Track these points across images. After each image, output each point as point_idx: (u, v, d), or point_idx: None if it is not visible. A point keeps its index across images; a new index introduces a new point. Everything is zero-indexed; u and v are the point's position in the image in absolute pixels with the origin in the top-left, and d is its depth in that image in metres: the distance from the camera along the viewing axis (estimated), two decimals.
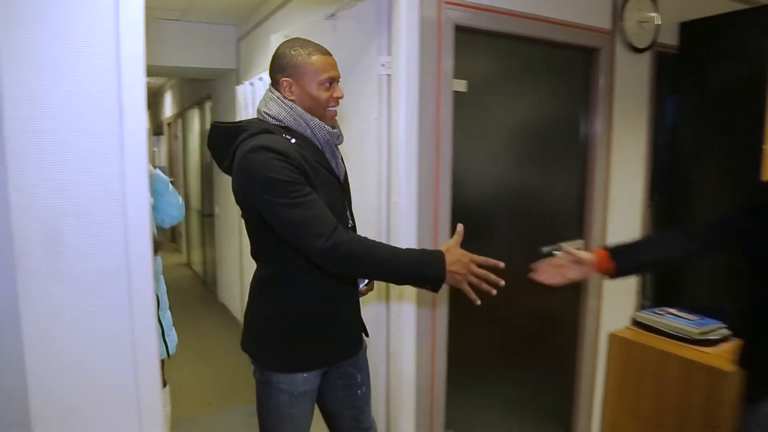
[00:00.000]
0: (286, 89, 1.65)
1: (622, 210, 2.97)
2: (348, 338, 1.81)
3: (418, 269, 1.51)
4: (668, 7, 2.95)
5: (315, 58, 1.65)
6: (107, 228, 1.60)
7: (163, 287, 2.39)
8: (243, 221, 1.73)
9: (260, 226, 1.62)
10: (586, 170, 2.82)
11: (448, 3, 2.17)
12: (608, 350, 3.03)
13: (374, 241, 1.54)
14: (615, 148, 2.86)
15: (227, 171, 1.68)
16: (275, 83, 1.68)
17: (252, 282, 1.78)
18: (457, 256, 1.53)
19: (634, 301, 3.11)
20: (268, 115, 1.65)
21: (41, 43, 1.48)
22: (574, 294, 2.90)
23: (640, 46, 2.84)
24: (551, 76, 2.68)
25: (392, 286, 2.30)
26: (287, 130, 1.63)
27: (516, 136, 2.63)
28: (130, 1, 1.55)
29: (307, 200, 1.50)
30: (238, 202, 1.64)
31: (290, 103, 1.64)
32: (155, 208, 2.37)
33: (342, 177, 1.75)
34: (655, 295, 3.19)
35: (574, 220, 2.85)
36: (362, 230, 1.85)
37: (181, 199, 2.53)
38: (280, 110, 1.64)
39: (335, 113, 1.71)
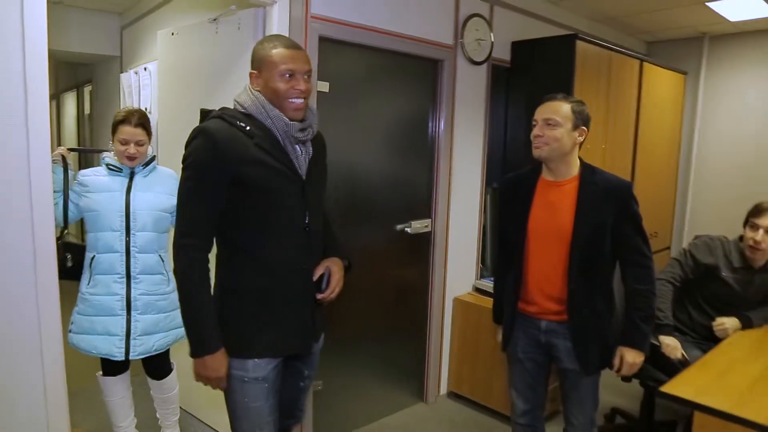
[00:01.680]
0: (254, 81, 1.73)
1: (463, 195, 3.56)
2: (293, 336, 1.79)
3: (194, 337, 1.66)
4: (502, 29, 3.59)
5: (276, 51, 1.69)
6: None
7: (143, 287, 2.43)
8: None
9: None
10: (433, 162, 3.37)
11: (313, 17, 2.60)
12: (453, 312, 3.62)
13: (205, 287, 1.65)
14: (456, 144, 3.45)
15: None
16: (250, 77, 1.76)
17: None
18: (219, 366, 1.66)
19: (475, 270, 3.73)
20: (237, 102, 1.74)
21: None
22: (424, 266, 3.45)
23: (478, 59, 3.44)
24: (403, 82, 3.19)
25: None
26: (250, 118, 1.70)
27: (374, 131, 3.11)
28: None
29: (197, 195, 1.65)
30: None
31: (257, 93, 1.71)
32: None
33: (304, 172, 1.75)
34: (493, 265, 3.84)
35: (423, 203, 3.39)
36: None
37: None
38: (246, 98, 1.72)
39: (299, 105, 1.71)
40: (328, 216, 1.98)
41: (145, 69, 3.85)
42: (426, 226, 3.37)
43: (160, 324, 2.46)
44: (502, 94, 3.76)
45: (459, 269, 3.62)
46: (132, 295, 2.39)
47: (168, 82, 3.15)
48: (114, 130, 2.42)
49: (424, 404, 3.56)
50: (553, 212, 2.12)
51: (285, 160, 1.70)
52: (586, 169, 2.14)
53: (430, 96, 3.31)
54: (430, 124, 3.35)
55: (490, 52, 3.50)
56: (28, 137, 1.87)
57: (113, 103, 4.40)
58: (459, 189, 3.52)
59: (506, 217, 2.30)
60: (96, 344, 2.39)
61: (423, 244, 3.40)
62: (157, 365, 2.62)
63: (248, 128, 1.66)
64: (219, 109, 1.73)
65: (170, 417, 2.78)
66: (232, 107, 1.74)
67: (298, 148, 1.74)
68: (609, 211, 2.07)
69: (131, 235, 2.39)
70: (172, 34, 3.05)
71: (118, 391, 2.58)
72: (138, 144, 2.41)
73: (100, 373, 2.57)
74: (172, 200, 2.19)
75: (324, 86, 2.72)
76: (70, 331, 2.42)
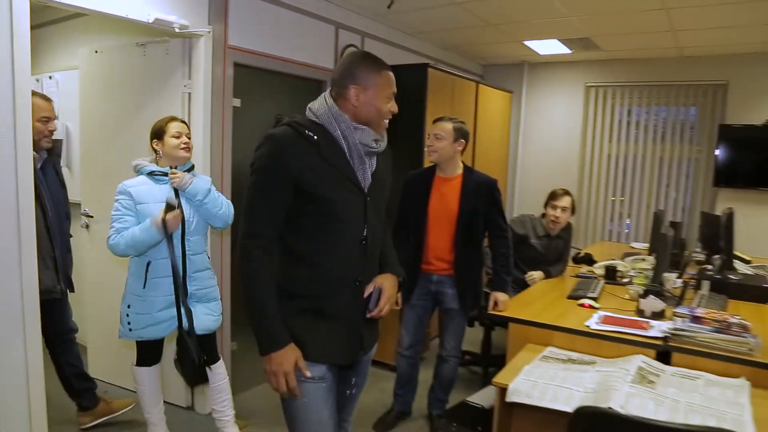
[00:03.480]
0: (353, 96, 1.74)
1: None
2: (339, 346, 1.80)
3: (260, 334, 1.68)
4: None
5: (386, 73, 1.77)
6: None
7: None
8: None
9: None
10: None
11: (230, 47, 3.27)
12: None
13: (264, 286, 1.66)
14: None
15: None
16: (340, 88, 1.76)
17: None
18: (284, 361, 1.66)
19: None
20: (310, 110, 1.78)
21: None
22: None
23: None
24: (296, 98, 3.94)
25: None
26: (319, 127, 1.73)
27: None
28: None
29: (266, 197, 1.68)
30: None
31: (332, 104, 1.74)
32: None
33: (366, 185, 1.77)
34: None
35: None
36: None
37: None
38: (319, 107, 1.75)
39: (386, 126, 1.83)
40: (386, 231, 2.01)
41: (50, 77, 4.20)
42: None
43: (213, 308, 2.77)
44: None
45: None
46: (189, 292, 2.65)
47: (91, 94, 3.59)
48: (160, 133, 2.64)
49: None
50: (445, 200, 3.06)
51: (348, 171, 1.73)
52: (467, 170, 3.12)
53: None
54: None
55: None
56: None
57: None
58: None
59: (408, 204, 3.15)
60: (158, 332, 2.66)
61: None
62: (211, 349, 2.82)
63: (315, 137, 1.69)
64: (290, 117, 1.77)
65: (227, 411, 2.93)
66: (306, 113, 1.79)
67: (366, 161, 1.78)
68: (481, 199, 3.06)
69: (186, 240, 2.62)
70: (96, 51, 3.51)
71: (151, 380, 2.82)
72: (187, 136, 2.66)
73: (134, 363, 2.82)
74: None
75: (237, 102, 3.40)
76: (125, 329, 2.66)
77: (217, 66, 3.19)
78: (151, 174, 2.62)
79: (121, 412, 3.18)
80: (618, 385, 2.16)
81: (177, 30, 2.93)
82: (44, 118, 2.69)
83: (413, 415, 3.42)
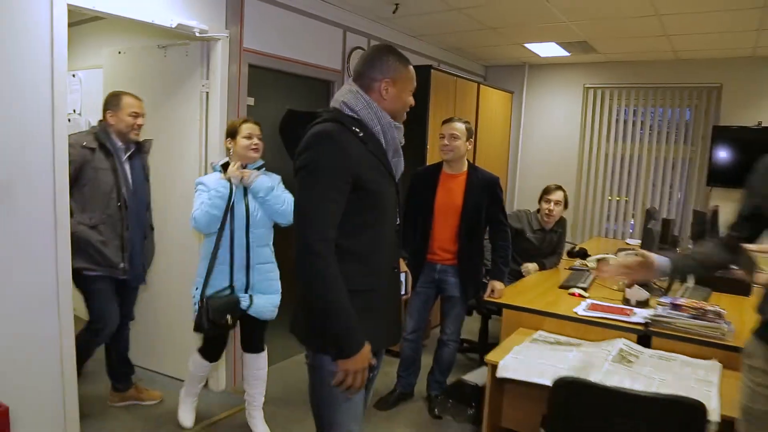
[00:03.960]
0: (383, 89, 1.79)
1: None
2: (389, 330, 1.89)
3: (343, 338, 1.66)
4: None
5: (411, 69, 1.87)
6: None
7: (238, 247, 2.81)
8: None
9: None
10: None
11: (245, 50, 3.49)
12: None
13: (341, 287, 1.62)
14: None
15: (293, 155, 1.77)
16: (368, 80, 1.79)
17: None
18: (365, 359, 1.69)
19: None
20: (346, 105, 1.77)
21: None
22: None
23: None
24: (306, 97, 4.16)
25: None
26: (359, 123, 1.75)
27: (275, 135, 4.03)
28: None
29: (332, 199, 1.64)
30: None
31: (369, 99, 1.77)
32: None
33: (398, 177, 1.86)
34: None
35: None
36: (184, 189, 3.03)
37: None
38: (358, 103, 1.76)
39: (405, 118, 1.93)
40: None
41: (73, 75, 4.42)
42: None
43: (273, 300, 2.93)
44: None
45: None
46: (251, 283, 2.85)
47: None
48: (233, 133, 2.86)
49: None
50: (451, 195, 3.28)
51: (387, 164, 1.82)
52: (471, 167, 3.35)
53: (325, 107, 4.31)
54: None
55: None
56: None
57: None
58: None
59: (416, 199, 3.36)
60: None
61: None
62: (260, 338, 3.03)
63: (361, 134, 1.73)
64: (327, 112, 1.77)
65: (259, 397, 3.10)
66: (338, 108, 1.78)
67: (400, 153, 1.87)
68: (484, 195, 3.28)
69: (249, 232, 2.81)
70: (119, 52, 3.74)
71: (204, 371, 3.10)
72: (258, 137, 2.87)
73: (198, 348, 3.05)
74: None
75: (251, 101, 3.62)
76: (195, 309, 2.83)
77: (233, 67, 3.41)
78: (223, 166, 2.86)
79: (148, 402, 3.37)
80: (599, 363, 2.38)
81: (197, 34, 3.15)
82: (134, 113, 3.01)
83: (414, 397, 3.64)
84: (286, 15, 3.78)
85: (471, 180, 3.29)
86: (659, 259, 1.94)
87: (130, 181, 3.05)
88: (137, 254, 3.09)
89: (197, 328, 2.77)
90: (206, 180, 2.85)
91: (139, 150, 3.13)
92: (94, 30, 4.26)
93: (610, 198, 6.26)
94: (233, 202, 2.78)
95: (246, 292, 2.85)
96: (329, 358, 1.72)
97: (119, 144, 3.02)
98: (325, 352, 1.73)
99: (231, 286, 2.81)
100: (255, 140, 2.86)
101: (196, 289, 2.82)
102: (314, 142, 1.67)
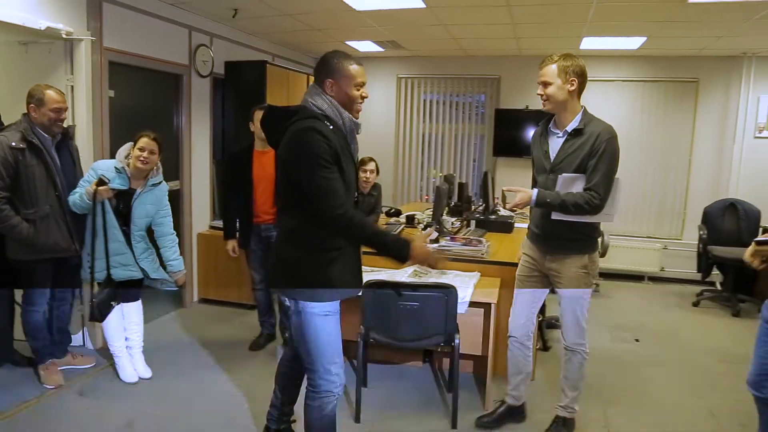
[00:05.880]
0: (329, 87, 2.21)
1: (199, 165, 5.28)
2: (353, 282, 2.36)
3: (392, 252, 2.14)
4: (219, 53, 5.37)
5: (353, 67, 2.22)
6: None
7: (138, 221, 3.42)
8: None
9: (290, 187, 2.17)
10: (179, 143, 5.00)
11: (106, 49, 4.02)
12: (197, 244, 5.31)
13: (368, 223, 2.21)
14: (193, 131, 5.13)
15: (275, 144, 2.26)
16: (320, 82, 2.23)
17: (278, 226, 2.43)
18: (421, 251, 2.16)
19: (209, 215, 5.48)
20: (314, 105, 2.19)
21: None
22: (176, 213, 5.05)
23: (204, 74, 5.17)
24: (159, 90, 4.75)
25: None
26: (327, 118, 2.17)
27: (141, 123, 4.60)
28: None
29: (334, 177, 2.08)
30: (284, 167, 2.19)
31: (330, 98, 2.20)
32: None
33: (357, 159, 2.32)
34: (221, 210, 5.63)
35: (174, 169, 4.99)
36: None
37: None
38: (323, 103, 2.19)
39: (360, 109, 2.30)
40: None
41: None
42: (177, 185, 5.00)
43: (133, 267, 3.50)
44: (220, 98, 5.56)
45: (199, 215, 5.32)
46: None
47: None
48: (136, 141, 3.36)
49: (184, 309, 5.18)
50: (264, 168, 3.98)
51: (351, 151, 2.27)
52: None
53: (175, 98, 4.94)
54: (175, 118, 4.98)
55: (212, 69, 5.26)
56: None
57: None
58: (196, 161, 5.23)
59: (236, 174, 4.06)
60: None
61: (175, 197, 5.01)
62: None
63: (331, 127, 2.16)
64: (297, 108, 2.21)
65: (138, 341, 3.71)
66: (308, 106, 2.20)
67: (356, 140, 2.32)
68: None
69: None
70: None
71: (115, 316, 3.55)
72: (151, 151, 3.35)
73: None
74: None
75: (111, 93, 4.17)
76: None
77: (95, 63, 3.94)
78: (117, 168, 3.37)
79: (84, 366, 3.79)
80: (399, 277, 3.43)
81: (64, 36, 3.66)
82: (56, 108, 3.26)
83: (277, 338, 4.39)
84: (139, 17, 4.35)
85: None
86: (533, 193, 2.76)
87: (60, 169, 3.36)
88: (82, 234, 3.45)
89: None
90: (100, 166, 3.39)
91: (65, 137, 3.44)
92: None
93: (427, 172, 7.56)
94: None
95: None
96: (310, 303, 2.21)
97: (45, 136, 3.28)
98: (310, 299, 2.21)
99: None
100: (146, 153, 3.34)
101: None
102: (304, 136, 2.10)
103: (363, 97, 2.28)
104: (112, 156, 3.91)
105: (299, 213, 2.19)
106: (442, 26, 5.33)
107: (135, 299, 3.69)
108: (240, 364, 3.99)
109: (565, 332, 2.96)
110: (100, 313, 3.42)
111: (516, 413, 3.21)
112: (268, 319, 4.36)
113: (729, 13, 4.44)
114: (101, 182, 3.24)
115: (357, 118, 2.29)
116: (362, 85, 2.26)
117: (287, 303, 2.28)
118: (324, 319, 2.25)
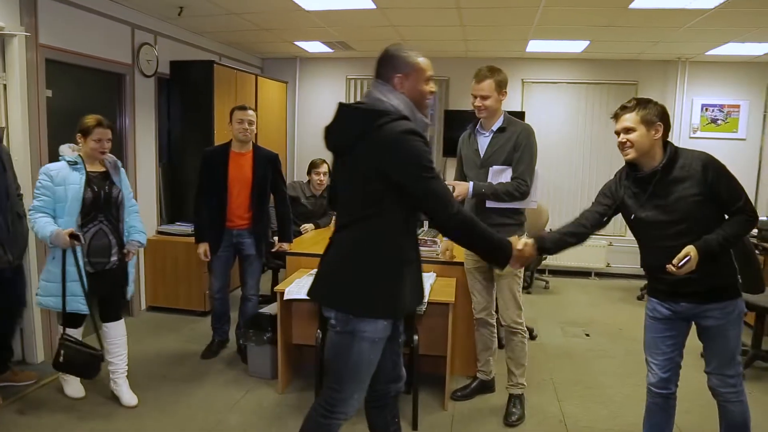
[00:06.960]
0: (398, 84, 2.02)
1: (145, 167, 5.10)
2: (414, 297, 2.14)
3: (497, 252, 2.14)
4: (164, 52, 5.20)
5: (421, 59, 2.05)
6: None
7: None
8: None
9: (373, 194, 1.95)
10: (122, 146, 4.80)
11: (41, 45, 3.82)
12: (145, 250, 5.10)
13: (480, 223, 2.10)
14: (138, 133, 4.95)
15: (337, 146, 2.13)
16: (386, 78, 2.03)
17: (336, 242, 2.09)
18: (523, 254, 2.28)
19: (156, 220, 5.30)
20: (390, 104, 1.99)
21: None
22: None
23: (148, 73, 4.99)
24: (102, 89, 4.55)
25: None
26: (405, 118, 1.98)
27: (73, 122, 4.39)
28: None
29: (439, 178, 1.98)
30: (368, 169, 1.95)
31: (402, 95, 2.01)
32: None
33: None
34: (168, 215, 5.46)
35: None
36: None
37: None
38: (398, 102, 2.00)
39: (429, 105, 2.15)
40: None
41: None
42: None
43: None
44: (166, 98, 5.39)
45: (145, 220, 5.08)
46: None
47: None
48: (86, 132, 3.12)
49: (132, 317, 4.93)
50: (242, 170, 3.86)
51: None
52: (255, 146, 3.98)
53: (118, 99, 4.75)
54: (118, 119, 4.77)
55: (157, 69, 5.09)
56: None
57: None
58: (141, 164, 5.04)
59: (210, 174, 3.90)
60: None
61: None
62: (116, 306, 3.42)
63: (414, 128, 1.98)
64: (378, 107, 1.99)
65: (122, 365, 3.40)
66: (383, 107, 1.99)
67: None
68: (269, 168, 3.96)
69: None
70: None
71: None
72: (108, 140, 3.15)
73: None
74: None
75: (48, 92, 3.96)
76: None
77: (30, 61, 3.74)
78: (69, 162, 3.12)
79: (25, 383, 3.53)
80: None
81: None
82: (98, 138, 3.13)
83: (231, 343, 4.30)
84: (78, 13, 4.15)
85: (257, 157, 3.93)
86: (470, 185, 3.10)
87: None
88: (7, 243, 3.18)
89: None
90: (51, 168, 3.10)
91: None
92: None
93: None
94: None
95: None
96: (365, 325, 1.98)
97: None
98: (363, 315, 1.98)
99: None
100: (104, 143, 3.18)
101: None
102: (406, 141, 1.92)
103: (432, 93, 2.12)
104: (51, 158, 3.73)
105: (376, 222, 1.99)
106: (391, 27, 5.33)
107: (116, 318, 3.42)
108: (195, 373, 3.87)
109: (504, 312, 3.28)
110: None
111: (487, 387, 3.62)
112: (221, 326, 4.25)
113: (665, 19, 4.65)
114: (74, 236, 3.04)
115: (427, 117, 2.12)
116: (432, 78, 2.11)
117: (333, 320, 2.04)
118: (373, 344, 2.03)
